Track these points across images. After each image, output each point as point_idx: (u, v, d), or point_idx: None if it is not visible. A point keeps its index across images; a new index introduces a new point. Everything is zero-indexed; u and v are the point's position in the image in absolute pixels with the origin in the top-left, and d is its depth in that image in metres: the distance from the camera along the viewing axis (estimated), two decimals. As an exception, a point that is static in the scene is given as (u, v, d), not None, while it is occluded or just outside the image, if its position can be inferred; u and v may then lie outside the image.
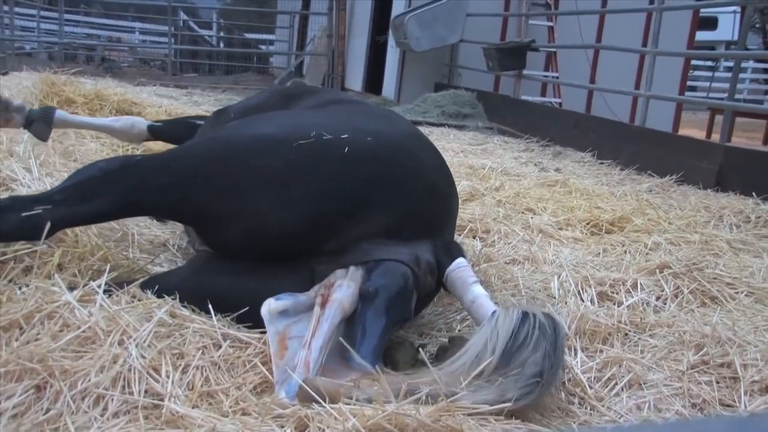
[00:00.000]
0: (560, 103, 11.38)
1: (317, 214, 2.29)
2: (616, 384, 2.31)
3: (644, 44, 11.05)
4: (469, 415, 1.84)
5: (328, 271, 2.31)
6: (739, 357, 2.42)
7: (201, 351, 2.08)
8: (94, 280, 2.27)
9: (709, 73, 22.97)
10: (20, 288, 2.21)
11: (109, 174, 2.35)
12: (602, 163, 6.84)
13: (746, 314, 2.93)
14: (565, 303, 2.92)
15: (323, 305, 2.17)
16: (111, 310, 2.10)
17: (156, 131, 3.92)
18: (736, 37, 18.49)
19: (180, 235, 3.38)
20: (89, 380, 1.83)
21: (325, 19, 14.54)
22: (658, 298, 3.05)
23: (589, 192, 5.08)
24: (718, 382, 2.34)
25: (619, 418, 2.15)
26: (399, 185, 2.38)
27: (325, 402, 1.83)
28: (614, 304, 2.96)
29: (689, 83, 16.98)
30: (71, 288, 2.21)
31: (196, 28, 20.91)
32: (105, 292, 2.20)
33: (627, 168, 6.50)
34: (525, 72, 10.32)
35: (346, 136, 2.37)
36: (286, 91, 3.55)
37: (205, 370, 2.02)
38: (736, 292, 3.13)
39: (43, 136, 3.73)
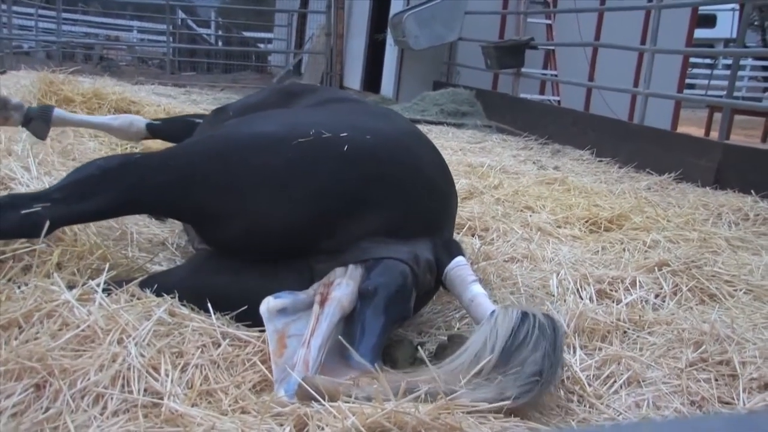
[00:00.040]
0: (559, 101, 11.38)
1: (316, 213, 2.29)
2: (615, 382, 2.31)
3: (643, 42, 11.05)
4: (468, 413, 1.84)
5: (328, 270, 2.31)
6: (737, 354, 2.42)
7: (200, 349, 2.08)
8: (93, 279, 2.27)
9: (708, 71, 22.98)
10: (19, 287, 2.21)
11: (108, 172, 2.35)
12: (601, 161, 6.85)
13: (745, 312, 2.93)
14: (564, 301, 2.93)
15: (322, 304, 2.18)
16: (110, 308, 2.10)
17: (154, 129, 3.93)
18: (734, 35, 18.53)
19: (179, 233, 3.39)
20: (89, 379, 1.83)
21: (324, 17, 14.54)
22: (656, 296, 3.05)
23: (588, 190, 5.09)
24: (716, 380, 2.34)
25: (618, 415, 2.16)
26: (398, 184, 2.38)
27: (324, 400, 1.83)
28: (613, 301, 2.97)
29: (688, 81, 16.97)
30: (70, 287, 2.21)
31: (194, 26, 20.88)
32: (104, 290, 2.20)
33: (626, 166, 6.50)
34: (523, 70, 10.31)
35: (345, 134, 2.37)
36: (285, 89, 3.55)
37: (205, 369, 2.03)
38: (735, 290, 3.13)
39: (41, 134, 3.73)
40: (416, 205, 2.42)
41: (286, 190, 2.29)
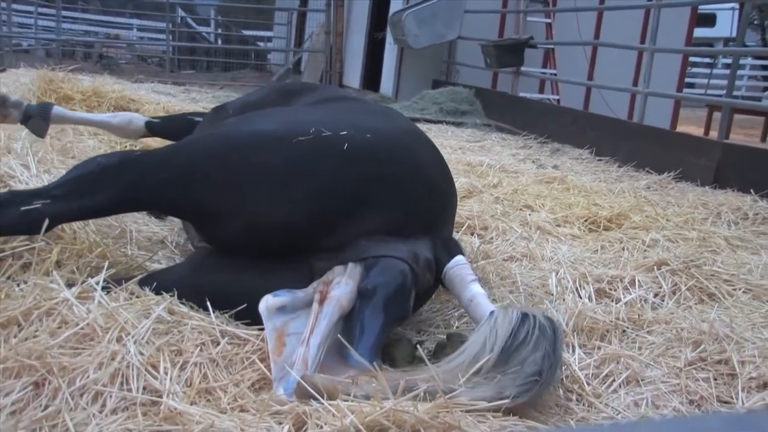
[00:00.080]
0: (558, 100, 11.38)
1: (316, 211, 2.29)
2: (614, 381, 2.31)
3: (642, 41, 11.05)
4: (467, 411, 1.84)
5: (327, 268, 2.31)
6: (736, 354, 2.42)
7: (199, 348, 2.08)
8: (92, 277, 2.27)
9: (708, 70, 22.98)
10: (18, 285, 2.21)
11: (108, 169, 2.35)
12: (600, 160, 6.85)
13: (744, 311, 2.93)
14: (563, 300, 2.93)
15: (321, 302, 2.18)
16: (109, 306, 2.10)
17: (153, 127, 3.93)
18: (734, 34, 18.51)
19: (178, 231, 3.38)
20: (88, 377, 1.83)
21: (323, 15, 14.53)
22: (655, 295, 3.05)
23: (587, 189, 5.09)
24: (715, 379, 2.34)
25: (617, 414, 2.16)
26: (398, 182, 2.38)
27: (323, 399, 1.84)
28: (612, 300, 2.97)
29: (687, 80, 16.99)
30: (69, 285, 2.21)
31: (193, 24, 20.86)
32: (103, 289, 2.20)
33: (625, 165, 6.50)
34: (523, 69, 10.31)
35: (345, 132, 2.37)
36: (285, 87, 3.55)
37: (204, 367, 2.03)
38: (734, 289, 3.14)
39: (40, 132, 3.73)
40: (416, 204, 2.42)
41: (286, 189, 2.29)
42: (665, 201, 4.96)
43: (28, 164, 3.32)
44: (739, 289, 3.14)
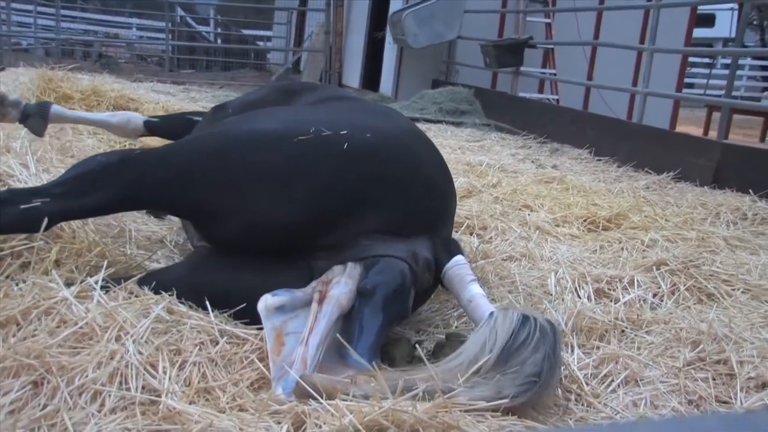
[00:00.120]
0: (558, 100, 11.38)
1: (316, 210, 2.29)
2: (613, 381, 2.31)
3: (642, 41, 11.05)
4: (466, 411, 1.84)
5: (326, 267, 2.31)
6: (735, 354, 2.42)
7: (198, 347, 2.08)
8: (91, 276, 2.27)
9: (707, 70, 22.99)
10: (17, 284, 2.21)
11: (108, 168, 2.35)
12: (599, 160, 6.85)
13: (742, 311, 2.93)
14: (562, 300, 2.93)
15: (321, 302, 2.18)
16: (108, 306, 2.10)
17: (152, 127, 3.92)
18: (733, 34, 18.52)
19: (177, 231, 3.38)
20: (86, 376, 1.83)
21: (323, 15, 14.52)
22: (654, 295, 3.05)
23: (587, 189, 5.09)
24: (714, 379, 2.34)
25: (616, 414, 2.16)
26: (398, 182, 2.38)
27: (321, 398, 1.84)
28: (611, 300, 2.97)
29: (686, 80, 16.99)
30: (68, 284, 2.21)
31: (193, 24, 20.85)
32: (102, 288, 2.20)
33: (624, 165, 6.50)
34: (522, 69, 10.31)
35: (345, 132, 2.37)
36: (285, 87, 3.55)
37: (202, 367, 2.03)
38: (733, 289, 3.14)
39: (38, 131, 3.73)
40: (416, 204, 2.43)
41: (286, 188, 2.29)
42: (664, 201, 4.96)
43: (27, 163, 3.32)
44: (738, 289, 3.14)
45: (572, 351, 2.47)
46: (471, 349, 2.06)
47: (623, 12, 11.00)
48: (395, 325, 2.41)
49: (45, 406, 1.76)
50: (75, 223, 2.68)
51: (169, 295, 2.27)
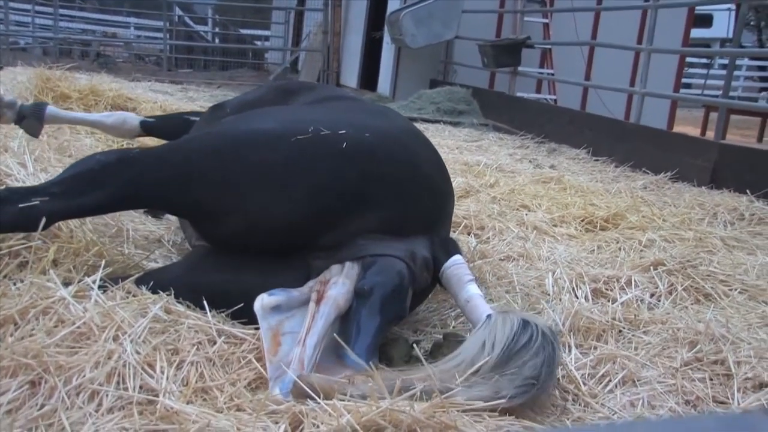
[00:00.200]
0: (555, 100, 11.39)
1: (314, 210, 2.29)
2: (610, 381, 2.31)
3: (639, 41, 11.07)
4: (464, 411, 1.85)
5: (325, 266, 2.31)
6: (732, 354, 2.43)
7: (196, 347, 2.08)
8: (89, 276, 2.27)
9: (704, 71, 23.00)
10: (15, 283, 2.21)
11: (106, 167, 2.35)
12: (597, 160, 6.85)
13: (740, 311, 2.94)
14: (560, 300, 2.93)
15: (318, 302, 2.18)
16: (106, 305, 2.10)
17: (148, 127, 3.91)
18: (731, 35, 18.51)
19: (175, 230, 3.38)
20: (84, 376, 1.83)
21: (321, 15, 14.52)
22: (652, 295, 3.06)
23: (584, 189, 5.09)
24: (711, 379, 2.35)
25: (613, 414, 2.16)
26: (396, 181, 2.38)
27: (319, 398, 1.84)
28: (608, 300, 2.97)
29: (684, 80, 17.00)
30: (66, 284, 2.20)
31: (191, 23, 20.82)
32: (100, 287, 2.20)
33: (622, 165, 6.51)
34: (520, 69, 10.31)
35: (343, 131, 2.37)
36: (283, 86, 3.55)
37: (200, 366, 2.03)
38: (730, 290, 3.14)
39: (34, 132, 3.71)
40: (414, 203, 2.43)
41: (285, 187, 2.29)
42: (662, 201, 4.97)
43: (25, 162, 3.31)
44: (735, 290, 3.15)
45: (570, 351, 2.47)
46: (469, 349, 2.06)
47: (621, 12, 11.02)
48: (393, 325, 2.42)
49: (42, 406, 1.76)
50: (73, 223, 2.68)
51: (167, 295, 2.27)
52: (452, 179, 3.03)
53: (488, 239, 3.78)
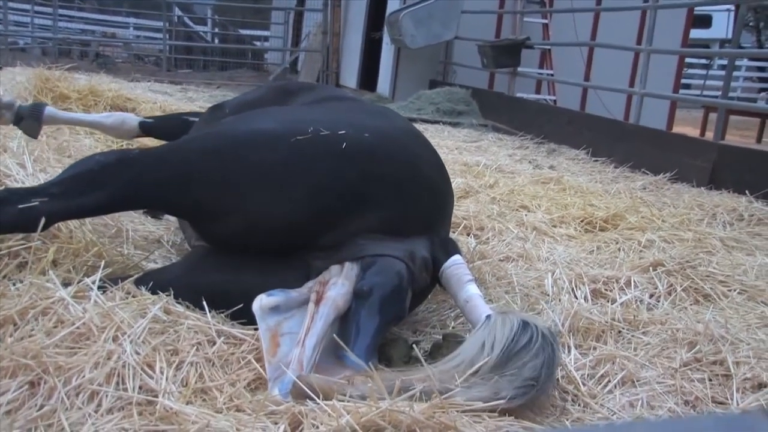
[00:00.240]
0: (555, 101, 11.39)
1: (314, 210, 2.29)
2: (609, 381, 2.32)
3: (639, 42, 11.07)
4: (463, 411, 1.85)
5: (324, 267, 2.31)
6: (731, 354, 2.43)
7: (195, 347, 2.08)
8: (88, 276, 2.27)
9: (703, 71, 23.01)
10: (14, 284, 2.21)
11: (106, 167, 2.35)
12: (596, 161, 6.86)
13: (739, 312, 2.94)
14: (559, 300, 2.93)
15: (317, 303, 2.18)
16: (105, 306, 2.10)
17: (147, 128, 3.90)
18: (730, 36, 18.53)
19: (174, 231, 3.38)
20: (83, 376, 1.83)
21: (320, 15, 14.52)
22: (651, 296, 3.06)
23: (583, 189, 5.10)
24: (710, 380, 2.35)
25: (612, 415, 2.16)
26: (396, 182, 2.39)
27: (318, 399, 1.84)
28: (608, 301, 2.97)
29: (683, 81, 17.00)
30: (65, 284, 2.20)
31: (190, 23, 20.81)
32: (99, 288, 2.20)
33: (621, 166, 6.51)
34: (520, 69, 10.31)
35: (343, 132, 2.37)
36: (282, 87, 3.55)
37: (199, 367, 2.03)
38: (729, 290, 3.14)
39: (32, 133, 3.71)
40: (414, 203, 2.43)
41: (284, 188, 2.29)
42: (661, 202, 4.97)
43: (24, 163, 3.31)
44: (735, 290, 3.15)
45: (569, 351, 2.47)
46: (469, 350, 2.06)
47: (620, 13, 11.02)
48: (392, 326, 2.42)
49: (42, 407, 1.76)
50: (72, 223, 2.68)
51: (167, 296, 2.27)
52: (452, 180, 3.03)
53: (487, 240, 3.78)
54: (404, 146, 2.54)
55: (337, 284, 2.22)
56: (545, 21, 11.71)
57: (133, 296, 2.25)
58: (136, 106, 6.20)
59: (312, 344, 2.06)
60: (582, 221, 4.23)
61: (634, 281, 3.12)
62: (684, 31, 12.69)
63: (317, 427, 1.74)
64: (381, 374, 1.96)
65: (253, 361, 2.10)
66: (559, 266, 3.28)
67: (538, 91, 11.93)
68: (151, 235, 3.32)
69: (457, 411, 1.84)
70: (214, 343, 2.12)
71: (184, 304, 2.27)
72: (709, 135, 9.35)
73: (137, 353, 1.96)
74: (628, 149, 6.69)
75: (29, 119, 3.66)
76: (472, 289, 2.35)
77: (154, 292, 2.29)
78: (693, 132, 11.55)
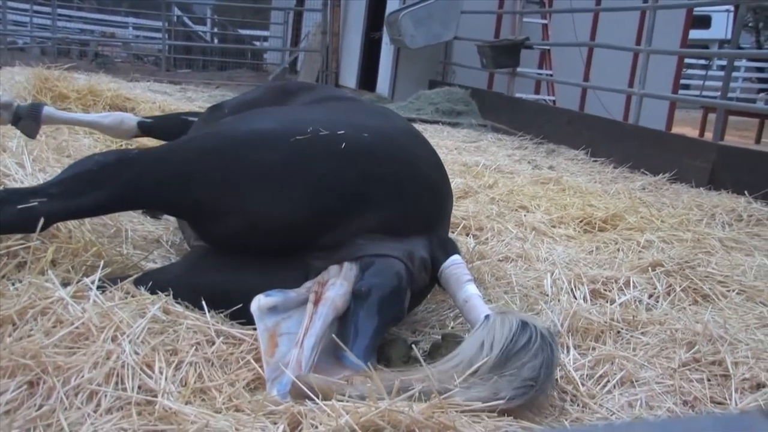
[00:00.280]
0: (554, 101, 11.40)
1: (313, 210, 2.29)
2: (608, 381, 2.32)
3: (638, 42, 11.07)
4: (462, 412, 1.85)
5: (323, 267, 2.31)
6: (730, 355, 2.43)
7: (194, 347, 2.08)
8: (87, 276, 2.27)
9: (703, 72, 23.03)
10: (13, 284, 2.21)
11: (105, 167, 2.35)
12: (596, 161, 6.86)
13: (737, 312, 2.94)
14: (558, 301, 2.93)
15: (316, 303, 2.17)
16: (104, 306, 2.09)
17: (146, 127, 3.90)
18: (729, 36, 18.55)
19: (173, 231, 3.38)
20: (82, 376, 1.83)
21: (320, 15, 14.52)
22: (650, 296, 3.06)
23: (583, 190, 5.10)
24: (709, 380, 2.35)
25: (611, 415, 2.16)
26: (395, 182, 2.39)
27: (317, 399, 1.84)
28: (607, 301, 2.97)
29: (682, 82, 17.02)
30: (65, 284, 2.20)
31: (189, 23, 20.81)
32: (98, 288, 2.19)
33: (620, 166, 6.51)
34: (519, 70, 10.32)
35: (342, 132, 2.37)
36: (281, 87, 3.54)
37: (199, 367, 2.03)
38: (728, 290, 3.14)
39: (31, 133, 3.70)
40: (413, 203, 2.43)
41: (284, 187, 2.29)
42: (660, 202, 4.97)
43: (24, 163, 3.31)
44: (733, 291, 3.15)
45: (568, 352, 2.47)
46: (468, 350, 2.06)
47: (620, 13, 11.04)
48: (391, 326, 2.41)
49: (41, 407, 1.76)
50: (71, 223, 2.68)
51: (166, 295, 2.27)
52: (451, 180, 3.03)
53: (487, 240, 3.78)
54: (404, 146, 2.54)
55: (336, 285, 2.22)
56: (544, 21, 11.72)
57: (132, 296, 2.25)
58: (135, 106, 6.19)
59: (310, 345, 2.06)
60: (581, 221, 4.23)
61: (633, 281, 3.12)
62: (683, 31, 12.70)
63: (316, 427, 1.74)
64: (380, 374, 1.96)
65: (252, 361, 2.10)
66: (558, 266, 3.28)
67: (537, 92, 11.94)
68: (150, 235, 3.32)
69: (456, 411, 1.84)
70: (214, 343, 2.12)
71: (183, 304, 2.27)
72: (708, 135, 9.37)
73: (136, 353, 1.96)
74: (628, 149, 6.69)
75: (27, 119, 3.65)
76: (471, 289, 2.35)
77: (153, 292, 2.29)
78: (692, 132, 11.56)
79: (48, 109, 3.76)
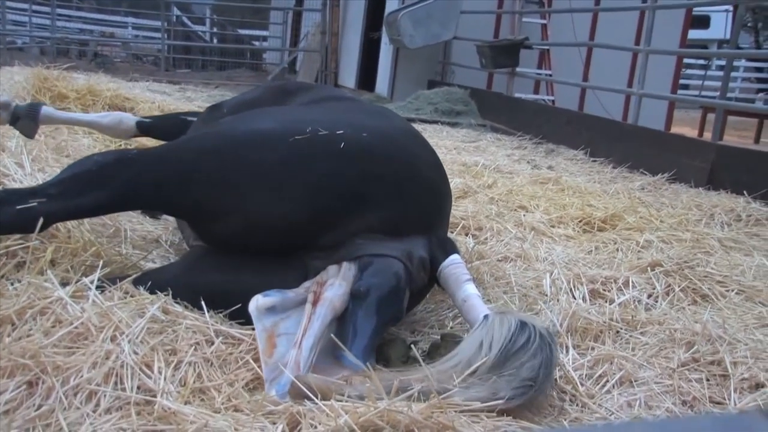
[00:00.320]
0: (553, 101, 11.40)
1: (313, 210, 2.29)
2: (608, 381, 2.32)
3: (637, 42, 11.07)
4: (461, 412, 1.85)
5: (322, 267, 2.31)
6: (729, 355, 2.43)
7: (193, 347, 2.08)
8: (86, 276, 2.27)
9: (702, 72, 23.04)
10: (12, 284, 2.20)
11: (104, 167, 2.35)
12: (595, 161, 6.86)
13: (736, 312, 2.94)
14: (557, 300, 2.93)
15: (315, 303, 2.17)
16: (103, 306, 2.09)
17: (145, 127, 3.89)
18: (728, 36, 18.57)
19: (172, 231, 3.38)
20: (81, 376, 1.83)
21: (319, 15, 14.52)
22: (649, 296, 3.06)
23: (582, 190, 5.10)
24: (708, 380, 2.35)
25: (610, 415, 2.16)
26: (394, 181, 2.39)
27: (316, 399, 1.84)
28: (606, 301, 2.97)
29: (682, 82, 17.02)
30: (64, 284, 2.20)
31: (189, 23, 20.81)
32: (98, 288, 2.19)
33: (619, 166, 6.52)
34: (518, 70, 10.33)
35: (341, 131, 2.37)
36: (281, 87, 3.54)
37: (198, 367, 2.03)
38: (727, 290, 3.14)
39: (29, 133, 3.69)
40: (412, 203, 2.43)
41: (283, 187, 2.29)
42: (659, 202, 4.97)
43: (23, 163, 3.31)
44: (732, 291, 3.15)
45: (567, 352, 2.47)
46: (467, 350, 2.06)
47: (619, 13, 11.03)
48: (390, 326, 2.41)
49: (40, 407, 1.76)
50: (70, 223, 2.68)
51: (165, 295, 2.27)
52: (450, 180, 3.03)
53: (486, 240, 3.78)
54: (403, 146, 2.54)
55: (335, 285, 2.22)
56: (544, 21, 11.72)
57: (132, 296, 2.25)
58: (134, 106, 6.19)
59: (309, 345, 2.06)
60: (580, 221, 4.23)
61: (632, 281, 3.12)
62: (682, 31, 12.71)
63: (315, 427, 1.74)
64: (379, 374, 1.96)
65: (252, 361, 2.10)
66: (558, 266, 3.28)
67: (536, 92, 11.95)
68: (149, 235, 3.32)
69: (455, 411, 1.84)
70: (213, 343, 2.12)
71: (182, 304, 2.27)
72: (708, 135, 9.38)
73: (135, 353, 1.96)
74: (627, 149, 6.69)
75: (26, 119, 3.65)
76: (470, 289, 2.35)
77: (152, 292, 2.29)
78: (691, 132, 11.57)
79: (46, 109, 3.76)
